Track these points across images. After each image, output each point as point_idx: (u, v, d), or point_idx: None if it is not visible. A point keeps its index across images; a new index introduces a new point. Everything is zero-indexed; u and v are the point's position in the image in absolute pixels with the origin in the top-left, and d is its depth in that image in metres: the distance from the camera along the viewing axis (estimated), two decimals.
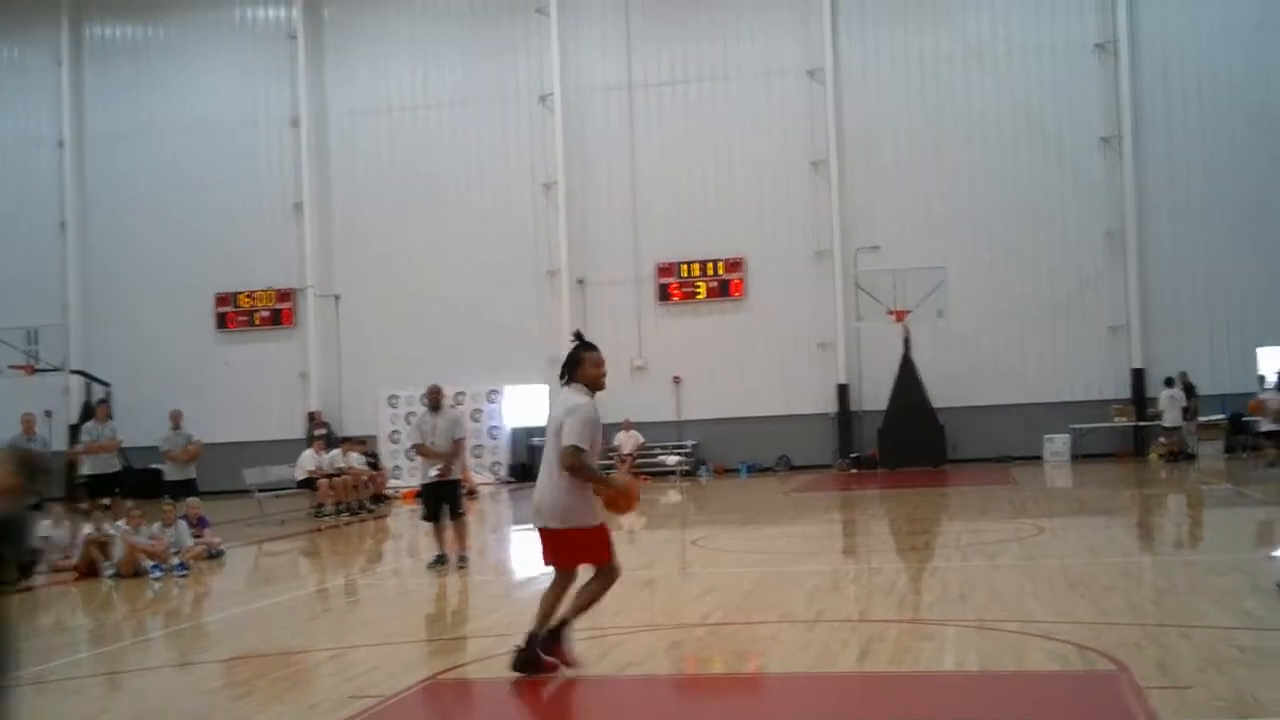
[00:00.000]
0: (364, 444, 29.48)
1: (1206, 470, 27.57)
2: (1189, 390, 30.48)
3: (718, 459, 33.86)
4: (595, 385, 8.91)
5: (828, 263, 33.68)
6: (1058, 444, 31.74)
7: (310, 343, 36.32)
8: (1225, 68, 32.43)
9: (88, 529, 17.51)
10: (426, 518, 16.39)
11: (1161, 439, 30.36)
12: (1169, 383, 30.54)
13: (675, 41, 35.02)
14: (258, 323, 36.75)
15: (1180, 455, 30.04)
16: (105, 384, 33.98)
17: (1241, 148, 32.20)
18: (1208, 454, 30.22)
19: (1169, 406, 29.91)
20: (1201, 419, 30.81)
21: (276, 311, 36.62)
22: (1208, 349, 32.14)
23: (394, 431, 33.27)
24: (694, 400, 34.35)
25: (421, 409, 16.86)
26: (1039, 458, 31.55)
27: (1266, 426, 24.44)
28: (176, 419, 22.40)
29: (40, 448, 20.40)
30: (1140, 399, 32.10)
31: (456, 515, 16.14)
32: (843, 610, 11.66)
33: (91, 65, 38.23)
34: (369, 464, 28.66)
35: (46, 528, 18.12)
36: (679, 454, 33.47)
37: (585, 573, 8.96)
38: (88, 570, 16.98)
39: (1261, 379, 29.72)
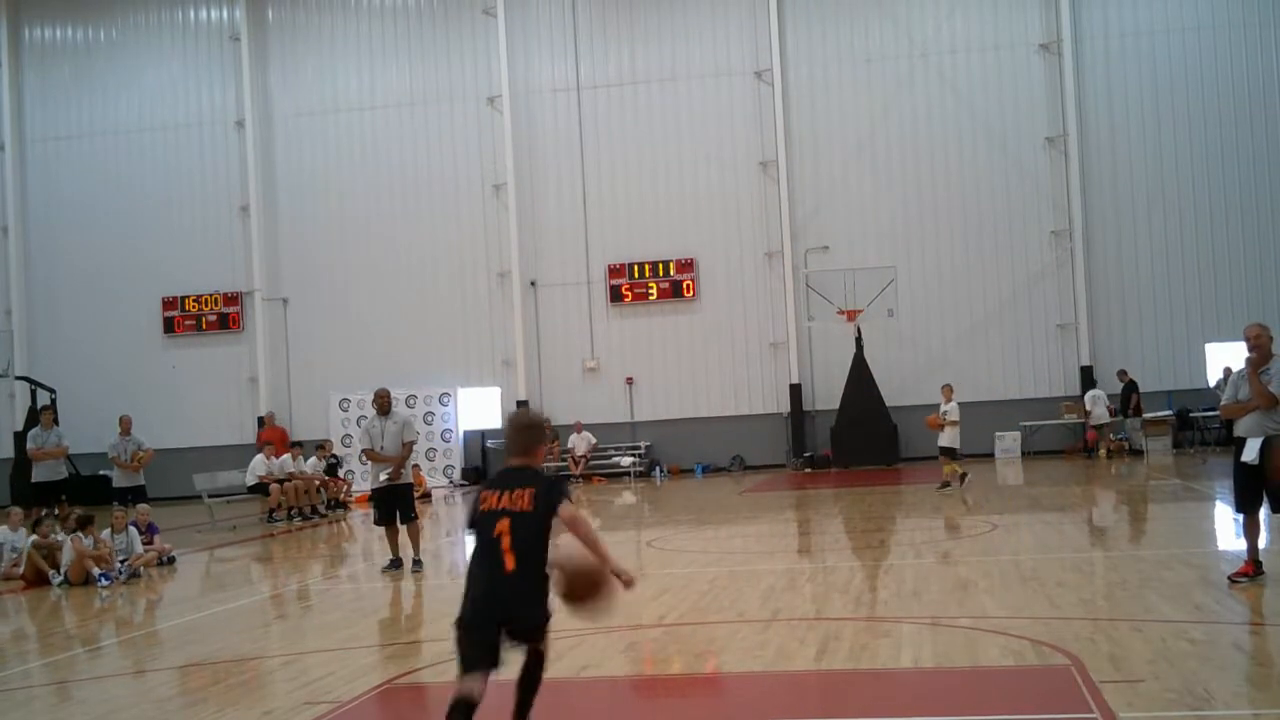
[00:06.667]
0: (324, 448, 29.31)
1: (1154, 465, 27.84)
2: (1131, 386, 30.82)
3: (672, 459, 33.91)
4: None
5: (778, 263, 33.79)
6: (1008, 441, 32.02)
7: (259, 346, 36.04)
8: (1166, 68, 32.82)
9: (32, 537, 17.34)
10: (378, 522, 16.44)
11: (1111, 435, 30.71)
12: (1091, 384, 31.17)
13: (623, 43, 35.02)
14: (205, 327, 36.43)
15: (1122, 451, 30.48)
16: (50, 390, 33.59)
17: (1184, 146, 32.62)
18: (1155, 449, 30.52)
19: (1094, 405, 30.46)
20: (1147, 415, 31.13)
21: (224, 315, 36.34)
22: (1154, 346, 32.51)
23: (345, 435, 33.11)
24: (647, 401, 34.37)
25: (371, 413, 16.82)
26: (990, 455, 31.76)
27: (943, 443, 24.21)
28: (125, 425, 22.22)
29: None
30: None
31: (408, 519, 16.15)
32: (799, 609, 11.71)
33: (31, 67, 37.77)
34: (330, 468, 28.49)
35: (3, 533, 18.00)
36: (633, 455, 33.50)
37: None
38: (36, 579, 16.84)
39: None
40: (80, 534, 16.84)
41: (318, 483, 26.96)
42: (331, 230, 35.92)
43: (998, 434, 31.99)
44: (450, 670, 9.65)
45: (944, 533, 17.60)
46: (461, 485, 33.58)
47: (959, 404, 24.02)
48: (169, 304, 36.47)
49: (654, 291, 34.39)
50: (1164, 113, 32.72)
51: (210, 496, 25.99)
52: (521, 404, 33.26)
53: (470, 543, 6.83)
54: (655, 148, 34.59)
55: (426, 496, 29.40)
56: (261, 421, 34.79)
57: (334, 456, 29.55)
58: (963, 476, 23.50)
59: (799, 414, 33.58)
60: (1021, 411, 32.49)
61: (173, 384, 36.03)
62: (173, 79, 37.06)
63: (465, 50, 35.74)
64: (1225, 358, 29.13)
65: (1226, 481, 13.46)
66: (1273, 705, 7.44)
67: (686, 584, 13.43)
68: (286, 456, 26.94)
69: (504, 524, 6.63)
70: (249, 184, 36.19)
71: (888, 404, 31.64)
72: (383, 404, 16.45)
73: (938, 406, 24.09)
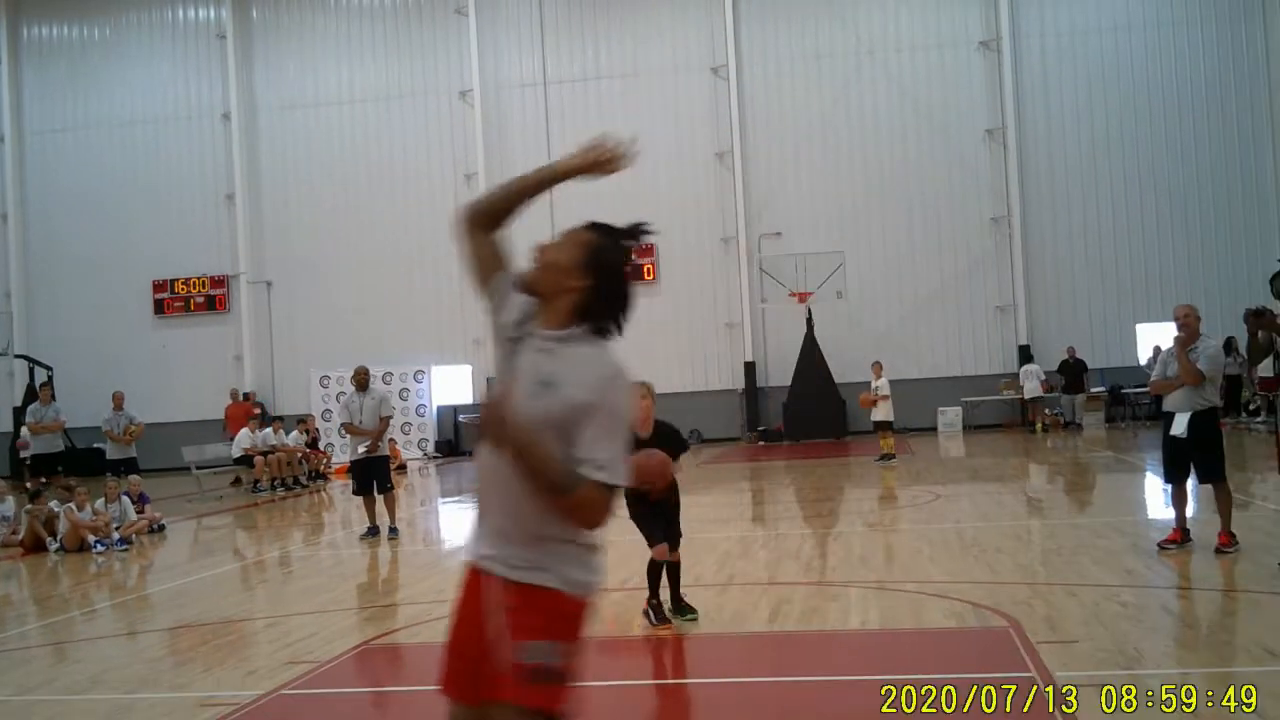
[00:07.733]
0: (305, 422, 29.14)
1: (1089, 439, 27.95)
2: (1079, 365, 30.88)
3: None
4: None
5: (733, 248, 33.75)
6: (950, 416, 32.13)
7: (244, 327, 35.82)
8: (1099, 65, 32.92)
9: (28, 506, 17.21)
10: (357, 492, 16.40)
11: (1046, 410, 30.81)
12: (1029, 360, 31.38)
13: (587, 40, 34.87)
14: (193, 308, 36.16)
15: (1058, 425, 30.65)
16: (48, 368, 33.33)
17: (1115, 138, 32.72)
18: (1090, 424, 30.68)
19: (1026, 380, 30.62)
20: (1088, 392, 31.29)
21: (211, 297, 36.08)
22: (1088, 326, 32.63)
23: (326, 410, 32.92)
24: None
25: (350, 389, 16.71)
26: (933, 429, 31.88)
27: (878, 417, 24.04)
28: (118, 400, 22.07)
29: None
30: None
31: (385, 489, 16.10)
32: (753, 574, 11.69)
33: (30, 63, 37.37)
34: (311, 443, 28.30)
35: None
36: None
37: None
38: (33, 546, 16.70)
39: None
40: (73, 505, 16.70)
41: (299, 455, 26.82)
42: (312, 217, 35.65)
43: (940, 409, 32.12)
44: (423, 633, 9.63)
45: (889, 502, 17.62)
46: (435, 457, 33.44)
47: (890, 380, 23.95)
48: (159, 287, 36.16)
49: None
50: (1097, 106, 32.80)
51: (198, 468, 25.83)
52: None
53: None
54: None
55: (402, 468, 29.23)
56: (247, 398, 34.52)
57: (314, 432, 29.35)
58: (887, 457, 23.33)
59: (753, 390, 33.57)
60: (963, 388, 32.59)
61: (162, 362, 35.77)
62: (163, 75, 36.72)
63: (439, 47, 35.52)
64: (1155, 337, 29.17)
65: (1156, 454, 13.49)
66: (1200, 665, 7.45)
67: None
68: (269, 429, 26.80)
69: None
70: (234, 174, 35.89)
71: (836, 381, 31.64)
72: (361, 381, 16.34)
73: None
